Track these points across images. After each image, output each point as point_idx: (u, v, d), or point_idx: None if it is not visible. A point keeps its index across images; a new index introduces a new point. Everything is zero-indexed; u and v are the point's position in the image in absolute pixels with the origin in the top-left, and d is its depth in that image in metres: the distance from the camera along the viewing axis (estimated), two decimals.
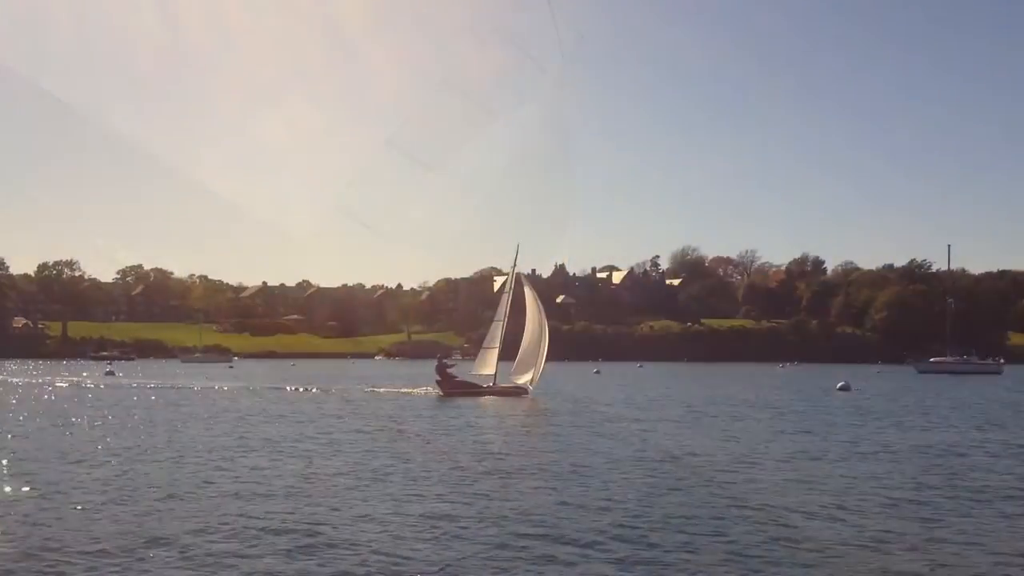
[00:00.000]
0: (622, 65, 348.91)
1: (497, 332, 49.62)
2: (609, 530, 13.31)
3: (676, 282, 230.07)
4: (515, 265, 51.39)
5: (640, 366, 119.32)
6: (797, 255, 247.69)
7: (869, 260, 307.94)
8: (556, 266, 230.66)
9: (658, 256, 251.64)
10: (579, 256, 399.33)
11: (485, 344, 50.62)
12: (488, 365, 49.64)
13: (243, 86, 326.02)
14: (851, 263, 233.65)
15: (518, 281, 50.35)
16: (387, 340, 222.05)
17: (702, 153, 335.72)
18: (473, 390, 48.81)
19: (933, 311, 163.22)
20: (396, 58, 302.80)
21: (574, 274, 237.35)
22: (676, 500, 15.94)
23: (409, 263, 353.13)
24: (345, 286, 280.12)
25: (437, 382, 49.92)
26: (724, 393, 55.39)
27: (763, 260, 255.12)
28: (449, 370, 50.42)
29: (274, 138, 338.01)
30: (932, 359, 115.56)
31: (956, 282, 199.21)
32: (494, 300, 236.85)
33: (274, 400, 46.29)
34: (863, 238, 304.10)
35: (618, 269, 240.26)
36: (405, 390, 53.74)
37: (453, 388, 49.32)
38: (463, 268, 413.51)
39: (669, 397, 50.90)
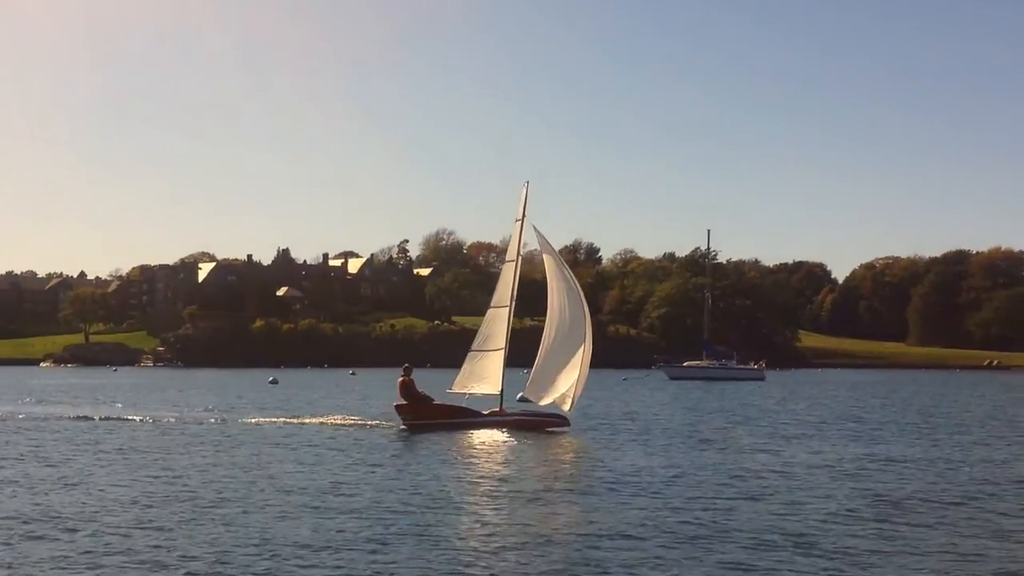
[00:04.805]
0: (373, 37, 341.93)
1: (499, 325, 36.63)
2: None
3: (426, 272, 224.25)
4: (524, 214, 37.40)
5: (352, 373, 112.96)
6: (570, 242, 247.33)
7: (653, 249, 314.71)
8: (279, 251, 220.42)
9: (406, 241, 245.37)
10: (308, 239, 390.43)
11: (477, 345, 37.45)
12: (486, 379, 36.49)
13: None
14: (631, 252, 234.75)
15: (529, 244, 37.96)
16: (60, 342, 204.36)
17: (460, 121, 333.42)
18: (463, 419, 35.87)
19: (717, 308, 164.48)
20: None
21: (304, 261, 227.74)
22: None
23: (97, 246, 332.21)
24: (10, 274, 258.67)
25: (398, 407, 36.51)
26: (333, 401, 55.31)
27: (531, 247, 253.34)
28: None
29: None
30: (685, 364, 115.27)
31: (743, 276, 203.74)
32: (199, 293, 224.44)
33: None
34: (646, 223, 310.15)
35: (357, 255, 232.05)
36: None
37: (427, 416, 35.93)
38: (165, 253, 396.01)
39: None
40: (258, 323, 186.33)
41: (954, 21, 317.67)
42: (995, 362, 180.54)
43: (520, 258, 37.73)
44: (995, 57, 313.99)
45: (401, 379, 36.80)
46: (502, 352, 36.25)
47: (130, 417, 42.09)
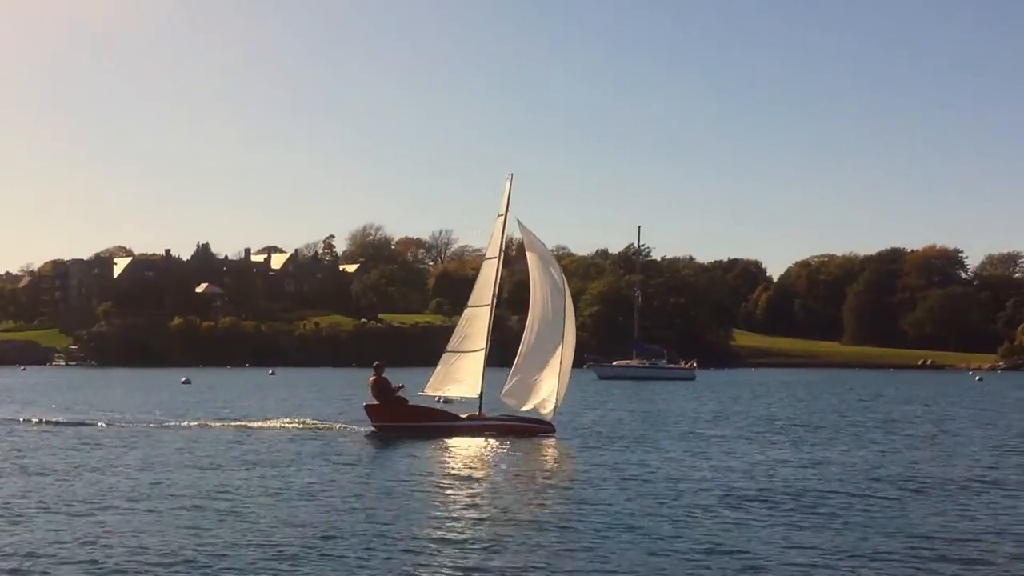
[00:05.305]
0: (305, 27, 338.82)
1: (480, 324, 35.36)
2: None
3: (353, 268, 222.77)
4: (508, 208, 36.55)
5: (272, 373, 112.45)
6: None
7: (586, 246, 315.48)
8: (198, 246, 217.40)
9: (332, 236, 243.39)
10: (229, 234, 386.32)
11: (453, 346, 36.12)
12: (465, 381, 35.26)
13: None
14: (564, 248, 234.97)
15: (514, 239, 37.13)
16: None
17: (387, 114, 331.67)
18: (439, 423, 34.70)
19: (651, 306, 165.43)
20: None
21: (226, 256, 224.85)
22: None
23: (7, 240, 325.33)
24: None
25: (368, 408, 35.38)
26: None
27: (461, 243, 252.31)
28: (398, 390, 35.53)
29: None
30: (615, 363, 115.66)
31: (677, 273, 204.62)
32: (115, 289, 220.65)
33: None
34: (578, 220, 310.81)
35: (280, 251, 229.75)
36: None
37: (400, 418, 34.88)
38: (79, 247, 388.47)
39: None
40: (176, 321, 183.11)
41: (888, 20, 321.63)
42: (929, 361, 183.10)
43: (503, 254, 36.59)
44: (925, 56, 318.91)
45: (372, 378, 35.54)
46: (482, 353, 35.02)
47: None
